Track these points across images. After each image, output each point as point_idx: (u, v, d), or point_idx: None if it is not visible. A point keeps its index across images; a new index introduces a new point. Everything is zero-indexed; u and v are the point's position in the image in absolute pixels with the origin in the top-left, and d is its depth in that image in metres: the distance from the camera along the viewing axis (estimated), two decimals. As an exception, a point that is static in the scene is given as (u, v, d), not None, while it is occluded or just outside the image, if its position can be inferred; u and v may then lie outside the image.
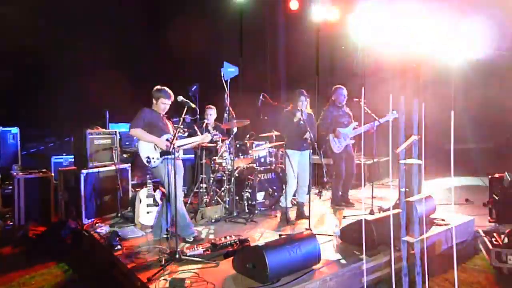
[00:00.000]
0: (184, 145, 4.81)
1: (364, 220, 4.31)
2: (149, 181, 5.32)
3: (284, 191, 6.05)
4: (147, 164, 4.56)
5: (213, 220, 5.49)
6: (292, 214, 5.69)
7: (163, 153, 4.46)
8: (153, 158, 4.52)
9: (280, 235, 4.76)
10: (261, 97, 6.36)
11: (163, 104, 4.66)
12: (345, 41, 8.71)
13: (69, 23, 9.65)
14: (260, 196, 6.09)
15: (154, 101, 4.68)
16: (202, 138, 4.90)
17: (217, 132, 5.19)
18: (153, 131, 4.55)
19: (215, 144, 6.03)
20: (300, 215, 5.61)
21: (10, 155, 7.06)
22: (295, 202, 5.90)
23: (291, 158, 5.58)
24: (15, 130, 7.28)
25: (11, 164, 6.77)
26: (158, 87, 4.70)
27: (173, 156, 4.41)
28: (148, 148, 4.55)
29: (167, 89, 4.68)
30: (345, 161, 6.14)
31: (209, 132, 5.02)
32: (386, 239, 4.20)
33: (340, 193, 6.26)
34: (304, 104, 5.47)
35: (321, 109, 6.38)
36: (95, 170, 5.79)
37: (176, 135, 4.30)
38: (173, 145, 4.21)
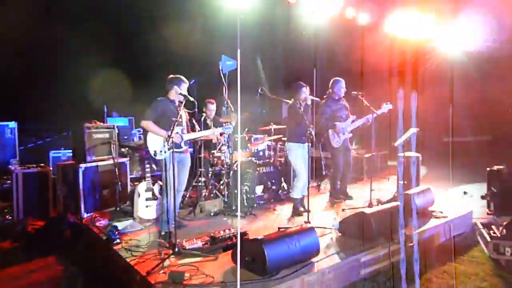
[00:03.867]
0: (193, 139, 4.92)
1: (363, 213, 4.33)
2: (148, 175, 5.31)
3: (282, 184, 6.05)
4: (153, 156, 4.59)
5: (212, 214, 5.50)
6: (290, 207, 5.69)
7: (171, 147, 4.42)
8: (160, 152, 4.56)
9: (279, 228, 4.76)
10: (259, 90, 6.34)
11: (185, 90, 4.69)
12: (344, 34, 8.69)
13: (67, 17, 9.59)
14: (259, 189, 6.09)
15: (175, 89, 4.65)
16: (212, 132, 4.99)
17: (230, 126, 5.22)
18: (164, 123, 4.54)
19: (211, 138, 6.03)
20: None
21: (7, 149, 7.03)
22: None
23: (295, 152, 5.48)
24: (12, 124, 7.25)
25: (9, 159, 6.74)
26: (174, 75, 4.73)
27: (180, 150, 4.65)
28: (157, 141, 4.57)
29: None
30: (343, 154, 6.14)
31: (218, 126, 5.09)
32: (385, 232, 4.23)
33: (338, 186, 6.27)
34: (306, 95, 5.38)
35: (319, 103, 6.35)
36: (94, 164, 5.77)
37: (174, 128, 4.29)
38: (171, 138, 4.24)
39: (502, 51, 8.02)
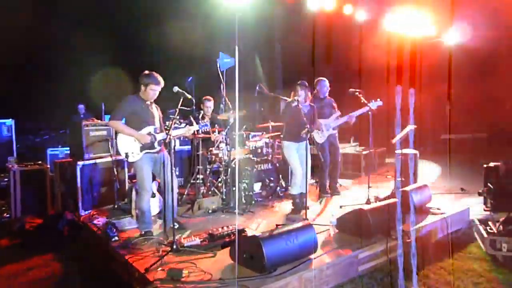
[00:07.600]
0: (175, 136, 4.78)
1: (361, 209, 4.34)
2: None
3: (280, 181, 6.05)
4: (125, 159, 4.41)
5: (210, 211, 5.50)
6: (289, 204, 5.69)
7: (144, 148, 4.38)
8: (132, 153, 4.36)
9: (277, 225, 4.77)
10: (257, 87, 6.34)
11: (152, 91, 4.43)
12: (342, 32, 8.69)
13: (65, 16, 9.56)
14: (257, 186, 6.10)
15: (142, 87, 4.44)
16: (188, 130, 4.75)
17: (206, 123, 5.05)
18: (134, 122, 4.38)
19: (209, 135, 6.03)
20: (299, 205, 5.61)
21: (4, 147, 7.02)
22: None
23: (289, 150, 5.52)
24: (9, 122, 7.23)
25: (6, 157, 6.73)
26: (147, 72, 4.46)
27: (154, 150, 4.46)
28: (127, 142, 4.38)
29: (156, 74, 4.45)
30: (330, 151, 6.18)
31: (197, 123, 4.95)
32: (382, 229, 4.24)
33: (327, 182, 6.31)
34: (302, 96, 5.42)
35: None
36: (91, 161, 5.76)
37: (172, 126, 4.27)
38: (170, 135, 4.22)
39: (500, 48, 8.04)
